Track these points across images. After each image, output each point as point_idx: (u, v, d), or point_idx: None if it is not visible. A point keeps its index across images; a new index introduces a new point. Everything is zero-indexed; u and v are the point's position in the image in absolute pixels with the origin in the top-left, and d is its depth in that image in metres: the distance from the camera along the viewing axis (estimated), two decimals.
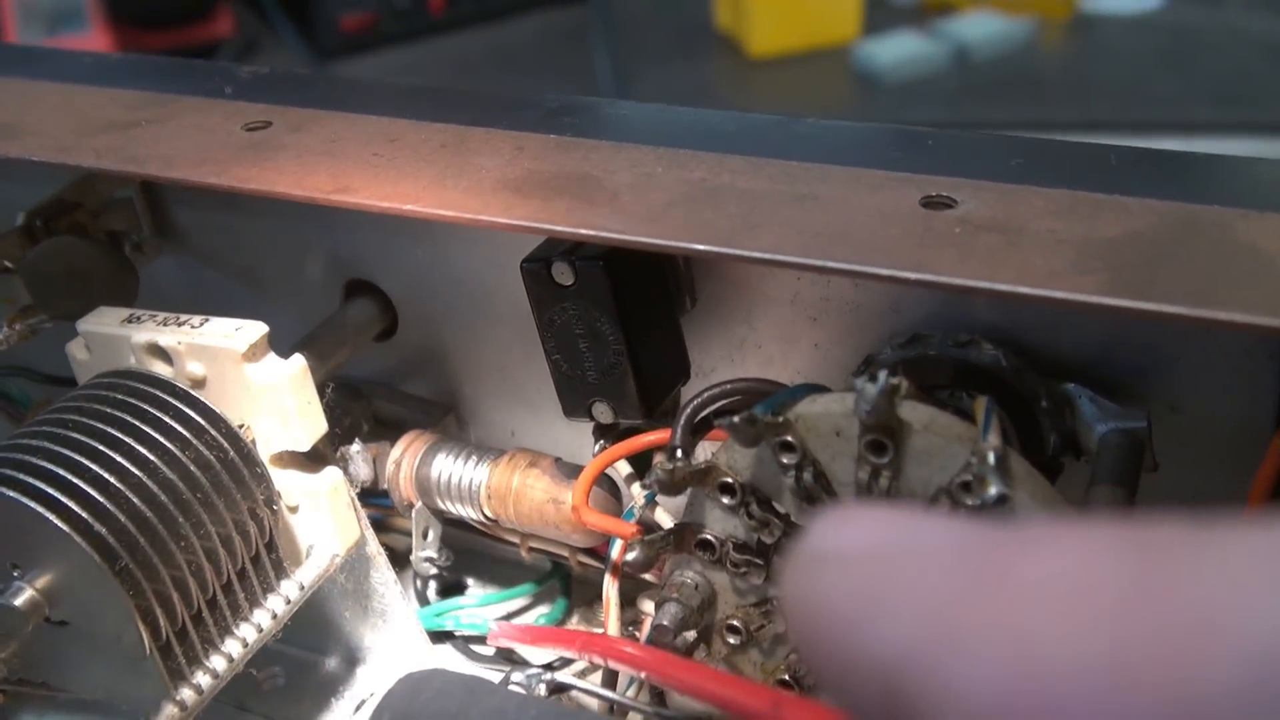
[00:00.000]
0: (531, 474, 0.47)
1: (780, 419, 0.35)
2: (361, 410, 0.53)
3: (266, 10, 1.58)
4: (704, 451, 0.41)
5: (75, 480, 0.38)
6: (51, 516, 0.37)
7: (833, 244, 0.34)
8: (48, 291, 0.47)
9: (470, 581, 0.54)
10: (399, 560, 0.52)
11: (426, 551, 0.50)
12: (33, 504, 0.37)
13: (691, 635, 0.39)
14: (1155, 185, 0.36)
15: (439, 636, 0.50)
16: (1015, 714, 0.15)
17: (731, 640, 0.39)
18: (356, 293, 0.51)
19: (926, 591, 0.17)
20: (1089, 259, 0.32)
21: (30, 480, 0.37)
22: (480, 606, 0.51)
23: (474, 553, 0.54)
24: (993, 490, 0.32)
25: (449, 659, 0.50)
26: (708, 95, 1.53)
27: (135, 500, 0.38)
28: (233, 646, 0.41)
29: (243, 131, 0.44)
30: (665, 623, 0.38)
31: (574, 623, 0.52)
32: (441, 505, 0.49)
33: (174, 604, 0.39)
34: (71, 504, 0.37)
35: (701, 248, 0.34)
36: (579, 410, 0.44)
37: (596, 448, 0.45)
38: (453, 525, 0.51)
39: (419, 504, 0.49)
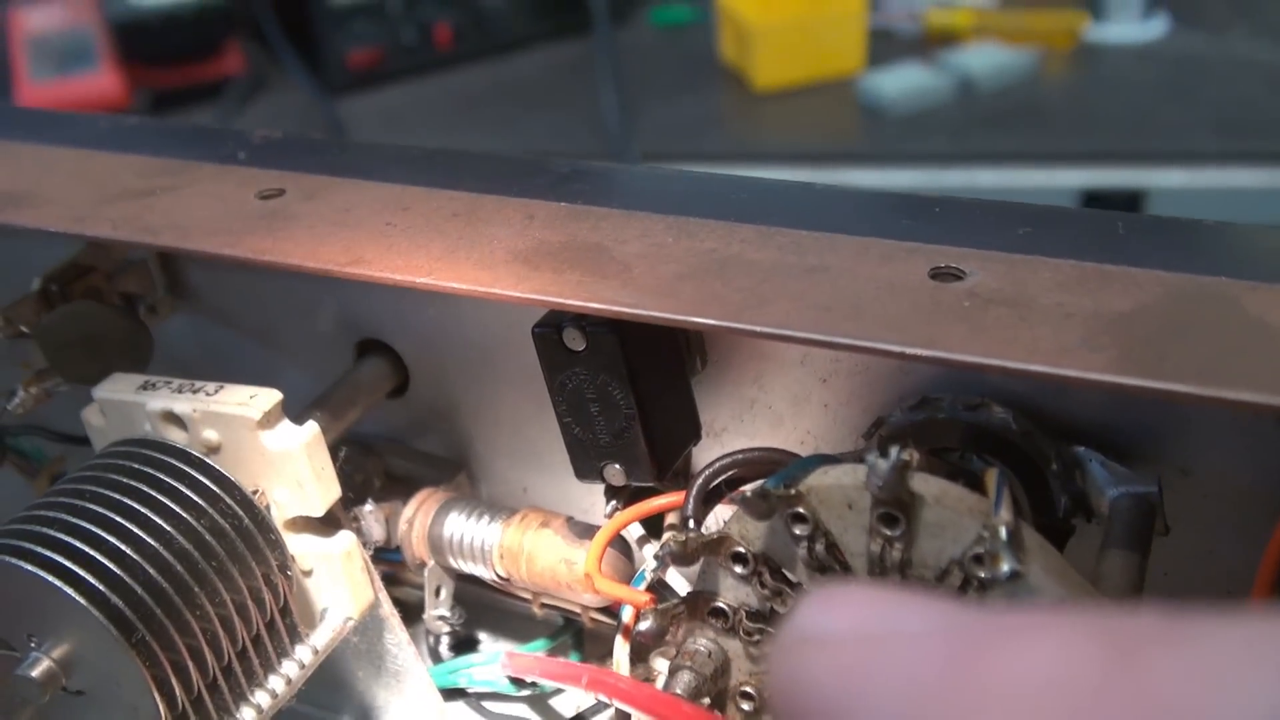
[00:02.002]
0: (544, 534, 0.47)
1: (792, 491, 0.35)
2: (374, 467, 0.53)
3: (274, 47, 1.59)
4: (715, 519, 0.41)
5: (91, 552, 0.38)
6: (68, 589, 0.37)
7: (843, 319, 0.34)
8: (63, 356, 0.47)
9: (483, 636, 0.55)
10: (411, 614, 0.52)
11: (439, 610, 0.50)
12: (49, 577, 0.37)
13: (706, 702, 0.40)
14: (1162, 254, 0.36)
15: (451, 693, 0.50)
16: None
17: (745, 707, 0.40)
18: (368, 351, 0.51)
19: (905, 681, 0.18)
20: (1099, 334, 0.32)
21: (47, 553, 0.38)
22: (492, 664, 0.51)
23: (487, 606, 0.54)
24: (1005, 567, 0.32)
25: (462, 716, 0.50)
26: (714, 128, 1.53)
27: (151, 571, 0.38)
28: (248, 714, 0.41)
29: (256, 199, 0.44)
30: (679, 691, 0.38)
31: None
32: (454, 564, 0.49)
33: (190, 673, 0.39)
34: (88, 576, 0.37)
35: (713, 323, 0.35)
36: (591, 473, 0.44)
37: (608, 508, 0.46)
38: (465, 580, 0.51)
39: (431, 562, 0.49)
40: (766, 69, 1.56)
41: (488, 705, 0.50)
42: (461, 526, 0.48)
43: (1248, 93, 1.44)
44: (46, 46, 1.56)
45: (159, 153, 0.49)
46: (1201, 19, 1.59)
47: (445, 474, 0.52)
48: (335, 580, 0.44)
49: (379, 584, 0.46)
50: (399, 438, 0.53)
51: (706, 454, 0.47)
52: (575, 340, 0.42)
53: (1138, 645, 0.16)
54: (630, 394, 0.42)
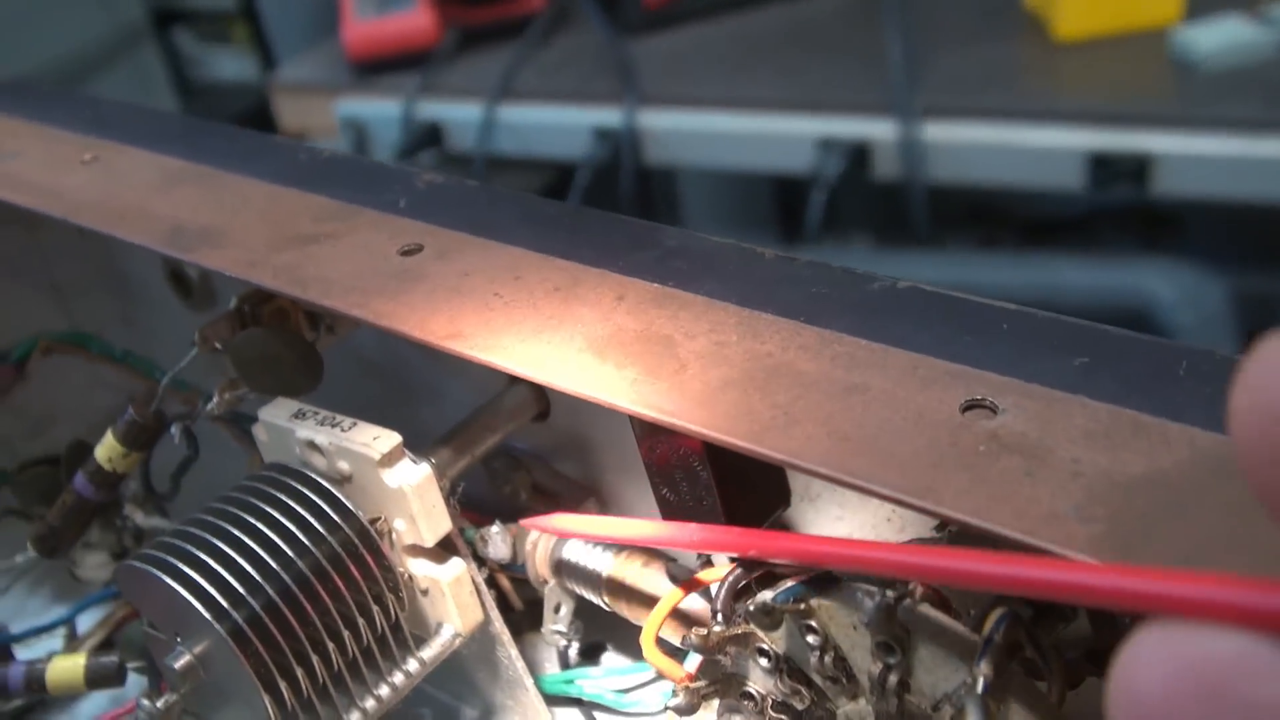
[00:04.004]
0: (645, 575, 0.50)
1: (801, 606, 0.37)
2: (521, 480, 0.57)
3: None
4: None
5: (221, 571, 0.44)
6: (196, 603, 0.44)
7: (855, 453, 0.35)
8: (248, 371, 0.54)
9: (610, 646, 0.59)
10: None
11: (557, 625, 0.54)
12: (183, 591, 0.44)
13: None
14: (1212, 407, 0.35)
15: (567, 701, 0.55)
16: None
17: None
18: (517, 379, 0.55)
19: None
20: (1096, 503, 0.32)
21: (184, 568, 0.44)
22: (604, 678, 0.55)
23: (617, 618, 0.58)
24: None
25: None
26: (1004, 81, 1.47)
27: (270, 591, 0.45)
28: (355, 717, 0.47)
29: (397, 255, 0.49)
30: None
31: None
32: (571, 587, 0.53)
33: (299, 680, 0.45)
34: (214, 592, 0.44)
35: (732, 441, 0.37)
36: None
37: (698, 560, 0.48)
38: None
39: (552, 581, 0.54)
40: (1070, 17, 1.48)
41: (598, 715, 0.55)
42: (579, 554, 0.52)
43: None
44: None
45: (337, 193, 0.54)
46: None
47: (580, 497, 0.56)
48: (445, 601, 0.49)
49: (490, 604, 0.50)
50: (544, 456, 0.58)
51: (799, 515, 0.48)
52: None
53: None
54: (708, 466, 0.44)
